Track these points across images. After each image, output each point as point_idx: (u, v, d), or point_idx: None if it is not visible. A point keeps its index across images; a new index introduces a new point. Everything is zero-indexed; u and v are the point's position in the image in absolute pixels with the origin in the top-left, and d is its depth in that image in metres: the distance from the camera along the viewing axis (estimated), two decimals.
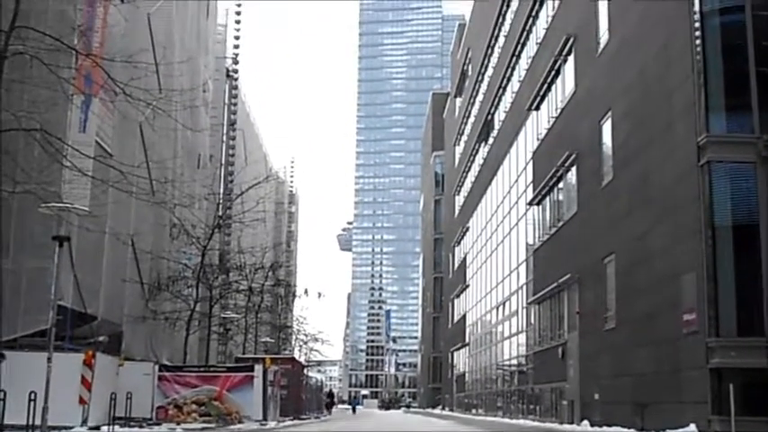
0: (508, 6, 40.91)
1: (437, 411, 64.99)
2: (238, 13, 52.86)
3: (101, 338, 24.54)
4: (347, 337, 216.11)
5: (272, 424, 26.29)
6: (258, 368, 26.33)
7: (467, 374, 54.78)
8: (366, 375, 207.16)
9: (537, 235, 32.71)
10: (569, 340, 26.94)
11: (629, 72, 21.72)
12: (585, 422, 23.02)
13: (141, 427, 21.90)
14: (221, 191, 44.89)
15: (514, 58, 38.49)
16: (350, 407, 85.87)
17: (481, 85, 50.27)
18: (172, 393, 25.06)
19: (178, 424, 23.61)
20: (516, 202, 37.60)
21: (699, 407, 16.03)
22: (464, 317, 56.16)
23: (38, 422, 15.38)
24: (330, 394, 68.72)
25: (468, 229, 55.27)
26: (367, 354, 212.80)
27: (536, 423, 29.40)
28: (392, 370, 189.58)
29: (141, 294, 29.93)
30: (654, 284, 19.15)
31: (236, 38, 52.95)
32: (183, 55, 33.79)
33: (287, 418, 32.16)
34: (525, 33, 35.85)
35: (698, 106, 16.89)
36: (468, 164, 55.15)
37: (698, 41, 17.06)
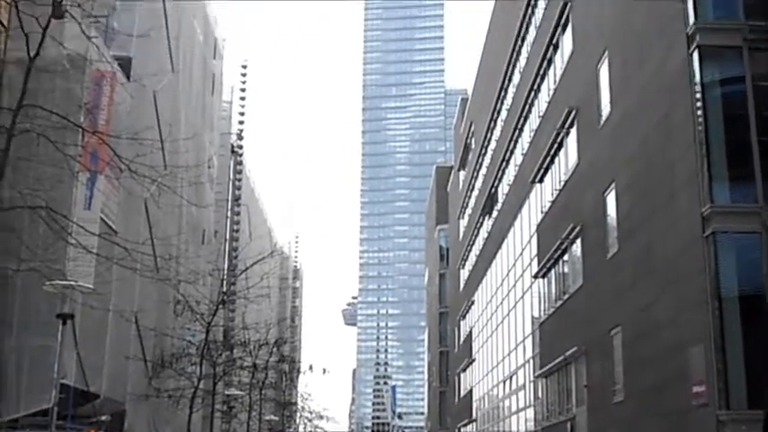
0: (510, 80, 41.34)
1: None
2: (243, 90, 53.59)
3: (103, 418, 24.29)
4: (352, 414, 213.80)
5: None
6: None
7: None
8: None
9: (543, 308, 32.51)
10: (578, 414, 26.58)
11: (631, 143, 21.82)
12: None
13: None
14: (225, 267, 44.86)
15: (517, 132, 38.74)
16: None
17: (484, 158, 50.54)
18: None
19: None
20: (521, 275, 37.47)
21: None
22: (471, 391, 55.55)
23: None
24: None
25: (473, 303, 55.00)
26: (373, 431, 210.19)
27: None
28: None
29: (144, 372, 29.70)
30: (661, 356, 18.96)
31: (241, 114, 53.60)
32: (189, 131, 34.10)
33: None
34: (527, 106, 36.14)
35: (701, 176, 16.92)
36: (473, 237, 55.14)
37: (699, 112, 17.17)
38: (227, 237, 49.84)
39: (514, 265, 39.27)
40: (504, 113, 43.29)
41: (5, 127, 14.61)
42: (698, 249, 16.91)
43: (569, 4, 28.35)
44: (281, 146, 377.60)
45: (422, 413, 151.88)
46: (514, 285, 39.25)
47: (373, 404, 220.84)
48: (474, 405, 53.72)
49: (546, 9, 32.21)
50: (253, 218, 59.12)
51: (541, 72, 33.04)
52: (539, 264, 32.26)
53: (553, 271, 30.79)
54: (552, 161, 31.06)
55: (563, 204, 29.27)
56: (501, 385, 43.17)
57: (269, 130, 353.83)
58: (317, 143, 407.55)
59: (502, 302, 42.88)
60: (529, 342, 35.67)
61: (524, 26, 36.90)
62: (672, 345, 18.27)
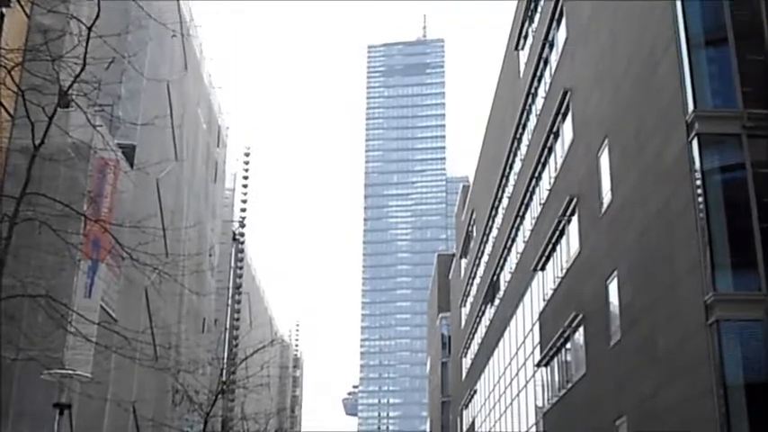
0: (511, 168, 41.64)
1: None
2: (246, 177, 53.83)
3: None
4: None
5: None
6: None
7: None
8: None
9: (546, 397, 32.12)
10: None
11: (632, 231, 21.85)
12: None
13: None
14: (225, 355, 44.45)
15: (518, 219, 38.86)
16: None
17: (486, 246, 50.57)
18: None
19: None
20: (524, 364, 37.12)
21: None
22: None
23: None
24: None
25: (475, 392, 54.38)
26: None
27: None
28: None
29: None
30: None
31: (244, 201, 53.74)
32: (191, 219, 34.18)
33: None
34: (528, 194, 36.32)
35: (703, 264, 16.89)
36: (475, 325, 54.82)
37: (700, 199, 17.24)
38: (228, 325, 49.51)
39: (517, 353, 38.95)
40: (505, 201, 43.49)
41: (8, 215, 14.65)
42: (702, 337, 16.78)
43: (569, 92, 28.72)
44: (282, 232, 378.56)
45: None
46: (517, 374, 38.86)
47: None
48: None
49: (546, 97, 32.62)
50: (253, 306, 58.82)
51: (542, 160, 33.30)
52: (541, 352, 32.00)
53: (556, 359, 30.53)
54: (554, 249, 31.07)
55: (565, 292, 29.17)
56: None
57: (270, 216, 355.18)
58: (318, 230, 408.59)
59: (505, 391, 42.39)
60: None
61: (525, 114, 37.33)
62: None
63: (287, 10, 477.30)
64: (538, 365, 32.90)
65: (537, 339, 33.66)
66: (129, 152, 26.59)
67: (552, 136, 31.47)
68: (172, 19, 29.81)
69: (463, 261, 63.73)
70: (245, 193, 53.90)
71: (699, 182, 17.38)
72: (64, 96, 15.21)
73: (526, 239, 37.01)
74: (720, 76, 18.47)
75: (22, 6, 19.72)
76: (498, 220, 45.97)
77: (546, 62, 33.15)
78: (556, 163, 31.16)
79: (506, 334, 42.04)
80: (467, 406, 59.16)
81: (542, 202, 33.32)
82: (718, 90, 18.42)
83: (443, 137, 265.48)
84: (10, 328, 17.76)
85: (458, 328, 66.63)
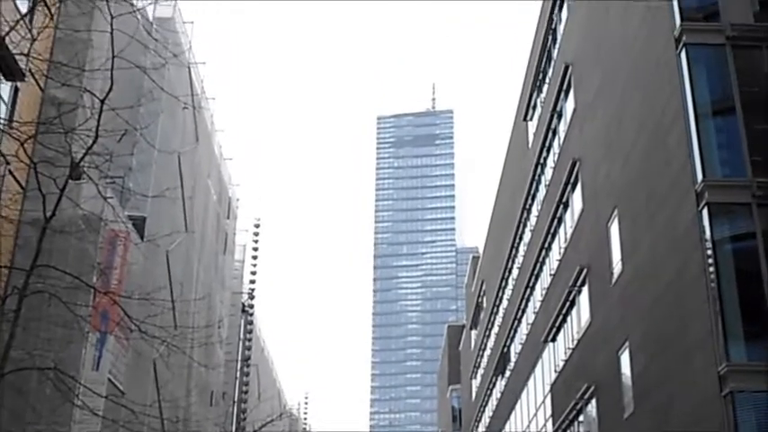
0: (521, 238, 41.60)
1: None
2: (255, 249, 53.94)
3: None
4: None
5: None
6: None
7: None
8: None
9: None
10: None
11: (643, 301, 21.71)
12: None
13: None
14: (233, 429, 44.03)
15: (529, 290, 38.68)
16: None
17: (496, 316, 50.28)
18: None
19: None
20: None
21: None
22: None
23: None
24: None
25: None
26: None
27: None
28: None
29: None
30: None
31: (253, 273, 53.76)
32: (201, 291, 34.17)
33: None
34: (538, 265, 36.21)
35: (715, 334, 16.73)
36: (486, 398, 54.22)
37: (711, 269, 17.15)
38: (236, 398, 49.12)
39: (529, 426, 38.43)
40: (515, 272, 43.35)
41: (18, 288, 14.66)
42: (716, 409, 16.54)
43: (578, 162, 28.83)
44: (292, 303, 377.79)
45: None
46: None
47: None
48: None
49: (555, 167, 32.74)
50: (262, 378, 58.43)
51: (552, 230, 33.28)
52: (553, 425, 31.57)
53: None
54: (564, 320, 30.87)
55: (576, 364, 28.89)
56: None
57: (280, 286, 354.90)
58: (328, 301, 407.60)
59: None
60: None
61: (534, 184, 37.43)
62: None
63: (298, 81, 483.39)
64: None
65: (549, 412, 33.24)
66: (139, 224, 26.73)
67: (562, 206, 31.50)
68: (183, 91, 30.22)
69: (473, 332, 63.33)
70: (255, 265, 53.97)
71: (710, 251, 17.31)
72: (75, 168, 15.35)
73: (537, 310, 36.79)
74: (729, 145, 18.54)
75: (36, 80, 20.00)
76: (508, 290, 45.78)
77: (555, 132, 33.36)
78: (566, 233, 31.12)
79: (518, 406, 41.53)
80: None
81: (552, 272, 33.20)
82: (726, 159, 18.47)
83: (453, 207, 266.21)
84: (18, 402, 17.66)
85: (468, 401, 65.90)
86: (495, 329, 50.49)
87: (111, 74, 14.43)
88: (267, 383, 60.90)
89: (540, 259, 35.81)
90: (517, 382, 41.80)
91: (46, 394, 19.02)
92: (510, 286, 45.15)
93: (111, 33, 14.25)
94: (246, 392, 51.37)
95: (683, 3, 19.34)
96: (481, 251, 63.56)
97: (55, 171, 15.22)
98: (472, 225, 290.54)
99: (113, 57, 14.31)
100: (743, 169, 17.83)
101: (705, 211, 17.49)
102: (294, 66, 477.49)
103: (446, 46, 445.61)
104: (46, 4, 16.42)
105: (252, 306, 53.19)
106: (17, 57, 17.48)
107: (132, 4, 17.83)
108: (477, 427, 59.38)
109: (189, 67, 34.10)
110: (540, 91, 36.86)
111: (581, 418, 28.37)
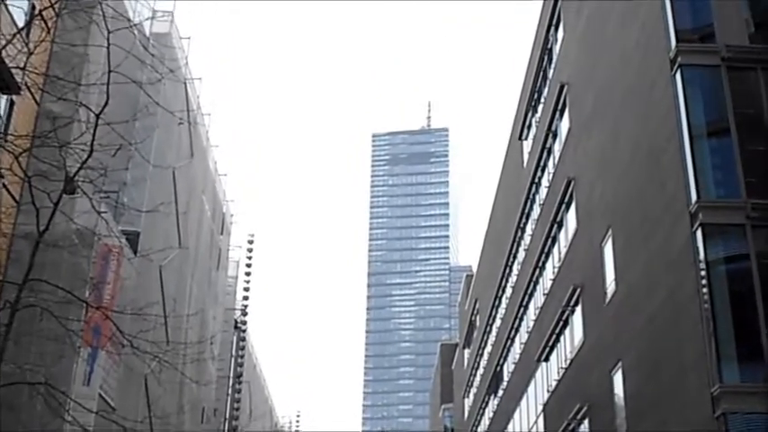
0: (515, 258, 41.59)
1: None
2: (249, 265, 53.83)
3: None
4: None
5: None
6: None
7: None
8: None
9: None
10: None
11: (637, 322, 21.68)
12: None
13: None
14: None
15: (522, 309, 38.65)
16: None
17: (489, 335, 50.20)
18: None
19: None
20: None
21: None
22: None
23: None
24: None
25: None
26: None
27: None
28: None
29: None
30: None
31: (246, 289, 53.65)
32: (194, 307, 34.08)
33: None
34: (532, 284, 36.20)
35: (709, 355, 16.71)
36: (478, 417, 54.06)
37: (705, 290, 17.15)
38: (228, 415, 48.91)
39: None
40: (508, 291, 43.31)
41: (10, 302, 14.60)
42: (709, 430, 16.49)
43: (573, 182, 28.87)
44: (285, 319, 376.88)
45: None
46: None
47: None
48: None
49: (549, 187, 32.78)
50: (254, 395, 58.22)
51: (546, 250, 33.28)
52: None
53: None
54: (558, 339, 30.82)
55: (569, 383, 28.83)
56: None
57: (273, 303, 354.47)
58: (321, 318, 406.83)
59: None
60: None
61: (528, 203, 37.46)
62: None
63: (293, 97, 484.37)
64: None
65: (542, 431, 33.14)
66: (133, 239, 26.68)
67: (556, 225, 31.52)
68: (179, 107, 30.24)
69: (466, 351, 63.20)
70: (248, 281, 53.85)
71: (703, 272, 17.32)
72: (70, 183, 15.29)
73: (530, 329, 36.75)
74: (723, 166, 18.59)
75: (32, 93, 20.01)
76: (502, 309, 45.73)
77: (549, 152, 33.42)
78: (560, 252, 31.12)
79: (510, 426, 41.40)
80: None
81: (546, 291, 33.18)
82: (721, 180, 18.52)
83: (447, 226, 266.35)
84: (8, 417, 17.56)
85: (461, 420, 65.69)
86: (489, 348, 50.39)
87: (108, 88, 14.42)
88: (259, 401, 60.67)
89: (534, 278, 35.79)
90: (510, 401, 41.68)
91: (36, 409, 18.92)
92: (503, 305, 45.09)
93: (108, 48, 14.26)
94: (238, 409, 51.15)
95: (679, 24, 19.42)
96: (475, 270, 63.52)
97: (49, 185, 15.18)
98: (466, 243, 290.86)
99: (109, 71, 14.30)
100: (737, 190, 17.87)
101: (699, 232, 17.51)
102: (289, 82, 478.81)
103: (442, 64, 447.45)
104: (43, 19, 16.45)
105: (245, 323, 53.05)
106: (13, 70, 17.48)
107: (129, 20, 17.88)
108: None
109: (185, 83, 34.13)
110: (535, 110, 36.95)
111: None
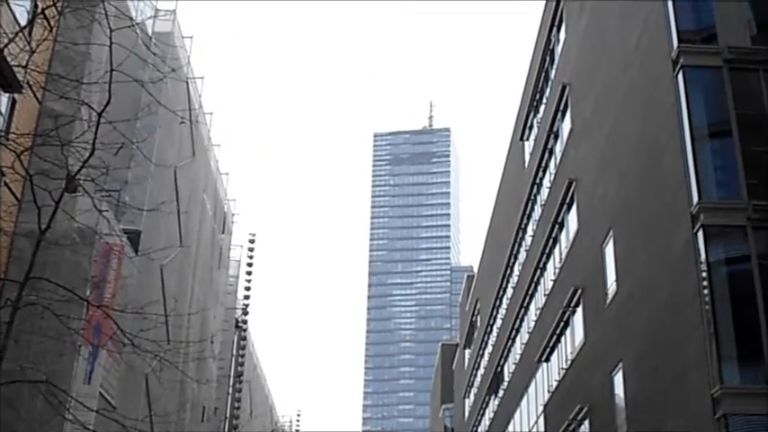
0: (516, 258, 41.59)
1: None
2: (250, 265, 53.83)
3: None
4: None
5: None
6: None
7: None
8: None
9: None
10: None
11: (638, 323, 21.68)
12: None
13: None
14: None
15: (523, 310, 38.65)
16: None
17: (490, 336, 50.19)
18: None
19: None
20: None
21: None
22: None
23: None
24: None
25: None
26: None
27: None
28: None
29: None
30: None
31: (247, 288, 53.63)
32: (195, 306, 34.08)
33: None
34: (533, 285, 36.20)
35: (710, 357, 16.70)
36: (479, 417, 54.05)
37: (706, 291, 17.14)
38: (228, 414, 48.91)
39: None
40: (509, 291, 43.31)
41: (11, 300, 14.61)
42: (709, 431, 16.49)
43: (574, 182, 28.86)
44: (285, 319, 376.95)
45: None
46: None
47: None
48: None
49: (551, 188, 32.78)
50: (254, 394, 58.24)
51: (547, 250, 33.28)
52: None
53: None
54: (558, 340, 30.82)
55: (570, 384, 28.83)
56: None
57: (274, 303, 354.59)
58: (322, 318, 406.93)
59: None
60: None
61: (530, 204, 37.46)
62: None
63: (295, 97, 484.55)
64: None
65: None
66: (134, 237, 26.69)
67: (557, 226, 31.51)
68: (181, 106, 30.25)
69: (467, 351, 63.20)
70: (249, 281, 53.84)
71: (704, 273, 17.31)
72: (71, 181, 15.32)
73: (531, 330, 36.75)
74: (724, 167, 18.59)
75: (33, 92, 20.02)
76: (502, 310, 45.72)
77: (551, 152, 33.41)
78: (560, 253, 31.12)
79: (511, 427, 41.40)
80: None
81: (547, 292, 33.18)
82: (722, 182, 18.51)
83: (448, 226, 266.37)
84: (8, 415, 17.57)
85: (461, 420, 65.68)
86: (489, 349, 50.39)
87: (110, 87, 14.43)
88: (259, 400, 60.68)
89: (535, 279, 35.79)
90: (510, 401, 41.68)
91: (37, 407, 18.93)
92: (504, 305, 45.09)
93: (110, 47, 14.27)
94: (238, 408, 51.16)
95: (681, 25, 19.42)
96: (476, 270, 63.52)
97: (51, 183, 15.20)
98: (467, 244, 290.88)
99: (111, 70, 14.32)
100: (739, 192, 17.86)
101: (700, 234, 17.50)
102: (291, 82, 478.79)
103: (444, 64, 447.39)
104: (45, 17, 16.44)
105: (245, 322, 53.05)
106: (15, 68, 17.49)
107: (131, 18, 17.86)
108: None
109: (187, 82, 34.14)
110: (536, 111, 36.95)
111: None
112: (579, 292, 27.70)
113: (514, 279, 41.85)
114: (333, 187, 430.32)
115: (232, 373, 50.19)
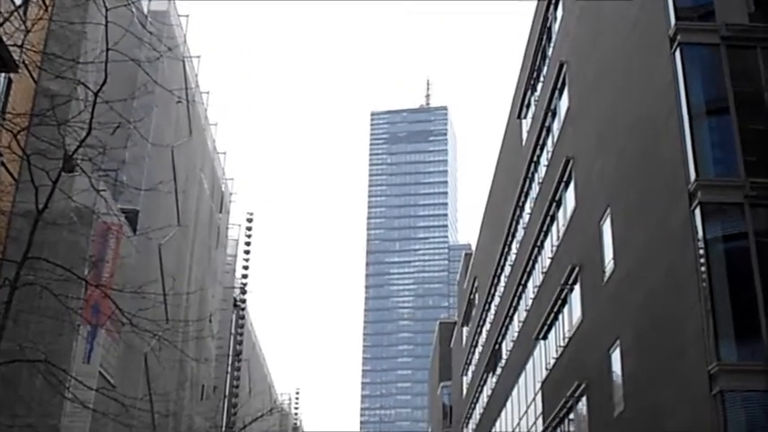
0: (513, 236, 41.64)
1: None
2: (248, 244, 53.80)
3: None
4: None
5: None
6: None
7: None
8: None
9: None
10: None
11: (635, 300, 21.74)
12: None
13: None
14: (224, 424, 44.00)
15: (521, 288, 38.73)
16: None
17: (488, 314, 50.33)
18: None
19: None
20: None
21: None
22: None
23: None
24: None
25: None
26: None
27: None
28: None
29: None
30: None
31: (245, 268, 53.61)
32: (193, 285, 34.09)
33: None
34: (531, 263, 36.26)
35: (707, 334, 16.77)
36: (477, 395, 54.29)
37: (703, 269, 17.19)
38: (227, 392, 49.04)
39: (519, 423, 38.48)
40: (507, 269, 43.40)
41: (9, 280, 14.62)
42: (706, 408, 16.58)
43: (571, 160, 28.86)
44: (284, 298, 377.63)
45: None
46: None
47: None
48: None
49: (548, 165, 32.77)
50: (253, 373, 58.38)
51: (544, 228, 33.32)
52: (544, 422, 31.63)
53: (559, 430, 30.14)
54: (556, 318, 30.91)
55: (567, 362, 28.94)
56: None
57: (272, 281, 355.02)
58: (320, 296, 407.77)
59: None
60: None
61: (527, 182, 37.46)
62: None
63: (291, 75, 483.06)
64: None
65: (540, 409, 33.29)
66: (132, 217, 26.66)
67: (554, 204, 31.53)
68: (177, 85, 30.15)
69: (465, 329, 63.38)
70: (247, 260, 53.82)
71: (702, 251, 17.35)
72: (68, 161, 15.30)
73: (528, 308, 36.84)
74: (722, 144, 18.59)
75: (29, 72, 19.93)
76: (500, 288, 45.83)
77: (548, 130, 33.39)
78: (558, 231, 31.16)
79: (509, 404, 41.59)
80: None
81: (544, 270, 33.24)
82: (720, 159, 18.52)
83: (446, 204, 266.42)
84: (7, 394, 17.62)
85: (459, 398, 65.98)
86: (487, 326, 50.54)
87: (106, 66, 14.37)
88: (258, 378, 60.86)
89: (533, 257, 35.85)
90: (508, 379, 41.85)
91: (36, 386, 18.97)
92: (502, 283, 45.18)
93: (106, 26, 14.20)
94: (237, 387, 51.31)
95: (678, 2, 19.37)
96: (474, 248, 63.61)
97: (48, 163, 15.17)
98: (465, 222, 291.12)
99: (107, 49, 14.25)
100: (736, 169, 17.88)
101: (698, 211, 17.53)
102: (288, 60, 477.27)
103: (441, 42, 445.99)
104: None
105: (244, 301, 53.11)
106: (10, 48, 17.41)
107: None
108: (468, 423, 59.46)
109: (183, 61, 34.01)
110: (534, 89, 36.88)
111: (571, 415, 28.42)
112: (577, 269, 27.76)
113: (512, 257, 41.92)
114: (330, 166, 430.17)
115: (231, 352, 50.28)
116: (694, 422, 17.30)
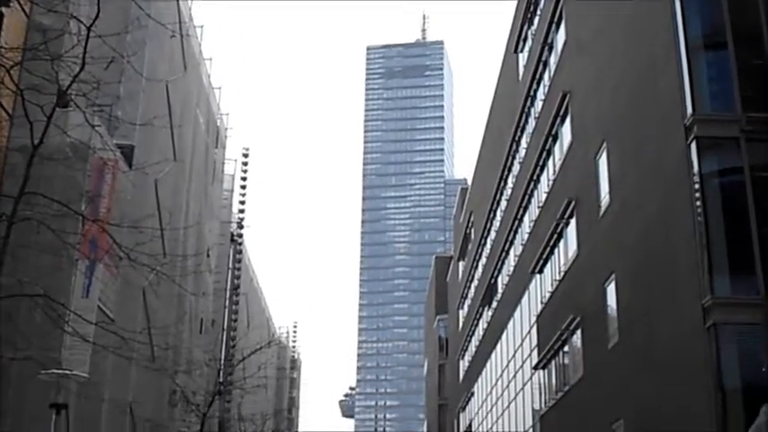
0: (509, 170, 41.63)
1: None
2: (244, 179, 53.73)
3: None
4: None
5: None
6: None
7: None
8: None
9: (543, 400, 32.12)
10: None
11: (630, 234, 21.85)
12: None
13: None
14: (223, 356, 44.45)
15: (517, 222, 38.85)
16: None
17: (484, 248, 50.56)
18: None
19: None
20: (521, 367, 37.11)
21: None
22: None
23: None
24: None
25: (472, 394, 54.36)
26: None
27: None
28: None
29: None
30: None
31: (242, 203, 53.61)
32: (190, 220, 34.12)
33: None
34: (527, 197, 36.32)
35: (701, 268, 16.89)
36: (472, 328, 54.81)
37: (698, 203, 17.25)
38: (225, 326, 49.42)
39: (514, 356, 38.94)
40: (503, 204, 43.47)
41: (6, 215, 14.64)
42: (699, 341, 16.78)
43: (568, 95, 28.73)
44: (280, 233, 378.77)
45: None
46: (514, 377, 38.84)
47: None
48: None
49: (545, 100, 32.63)
50: (251, 307, 58.77)
51: (541, 163, 33.31)
52: (539, 355, 31.99)
53: (553, 362, 30.52)
54: (552, 252, 31.07)
55: (563, 295, 29.17)
56: None
57: (269, 217, 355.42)
58: (316, 231, 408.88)
59: (502, 394, 42.37)
60: None
61: (524, 117, 37.34)
62: None
63: (286, 11, 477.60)
64: (535, 368, 32.89)
65: (535, 342, 33.66)
66: (127, 152, 26.55)
67: (551, 139, 31.48)
68: (171, 19, 29.79)
69: (461, 263, 63.72)
70: (244, 195, 53.80)
71: (697, 185, 17.39)
72: (63, 96, 15.20)
73: (524, 242, 37.01)
74: (719, 79, 18.51)
75: (21, 6, 19.70)
76: (496, 222, 45.96)
77: (545, 65, 33.17)
78: (554, 166, 31.16)
79: (504, 336, 42.02)
80: (464, 408, 59.14)
81: (540, 204, 33.32)
82: (716, 94, 18.46)
83: (442, 139, 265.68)
84: (7, 328, 17.77)
85: (455, 331, 66.60)
86: (483, 260, 50.81)
87: (98, 0, 14.21)
88: (256, 312, 61.28)
89: (529, 191, 35.89)
90: (504, 312, 42.22)
91: (36, 321, 19.10)
92: (498, 218, 45.31)
93: None
94: (236, 321, 51.69)
95: None
96: (470, 182, 63.61)
97: (42, 98, 15.07)
98: (461, 156, 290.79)
99: None
100: (733, 104, 17.85)
101: (693, 145, 17.53)
102: None
103: None
104: None
105: (241, 235, 53.22)
106: None
107: None
108: (464, 356, 60.13)
109: None
110: (531, 23, 36.53)
111: (566, 348, 28.75)
112: (573, 203, 27.82)
113: (508, 191, 41.97)
114: (326, 101, 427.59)
115: (229, 286, 50.53)
116: (688, 354, 17.52)
